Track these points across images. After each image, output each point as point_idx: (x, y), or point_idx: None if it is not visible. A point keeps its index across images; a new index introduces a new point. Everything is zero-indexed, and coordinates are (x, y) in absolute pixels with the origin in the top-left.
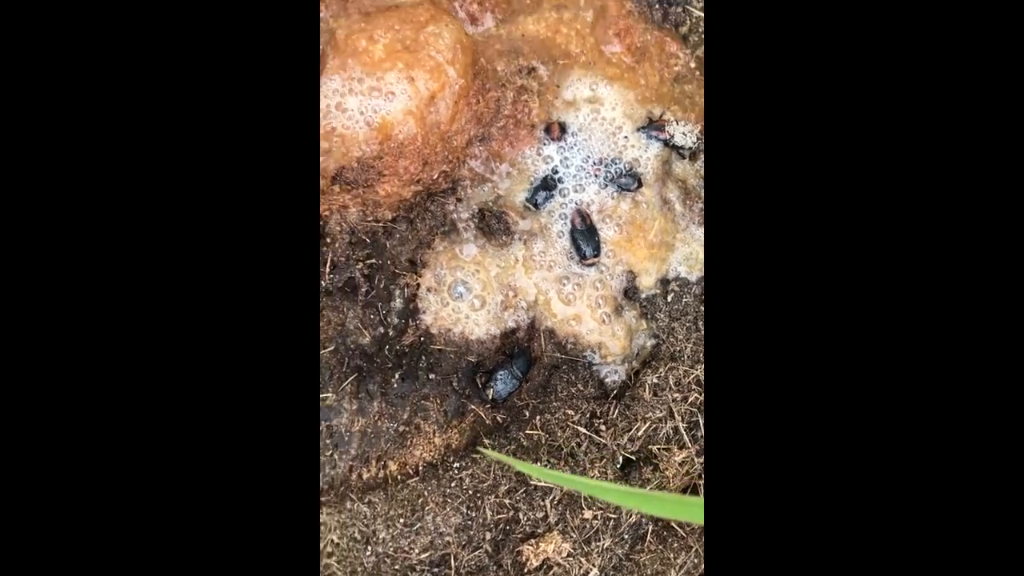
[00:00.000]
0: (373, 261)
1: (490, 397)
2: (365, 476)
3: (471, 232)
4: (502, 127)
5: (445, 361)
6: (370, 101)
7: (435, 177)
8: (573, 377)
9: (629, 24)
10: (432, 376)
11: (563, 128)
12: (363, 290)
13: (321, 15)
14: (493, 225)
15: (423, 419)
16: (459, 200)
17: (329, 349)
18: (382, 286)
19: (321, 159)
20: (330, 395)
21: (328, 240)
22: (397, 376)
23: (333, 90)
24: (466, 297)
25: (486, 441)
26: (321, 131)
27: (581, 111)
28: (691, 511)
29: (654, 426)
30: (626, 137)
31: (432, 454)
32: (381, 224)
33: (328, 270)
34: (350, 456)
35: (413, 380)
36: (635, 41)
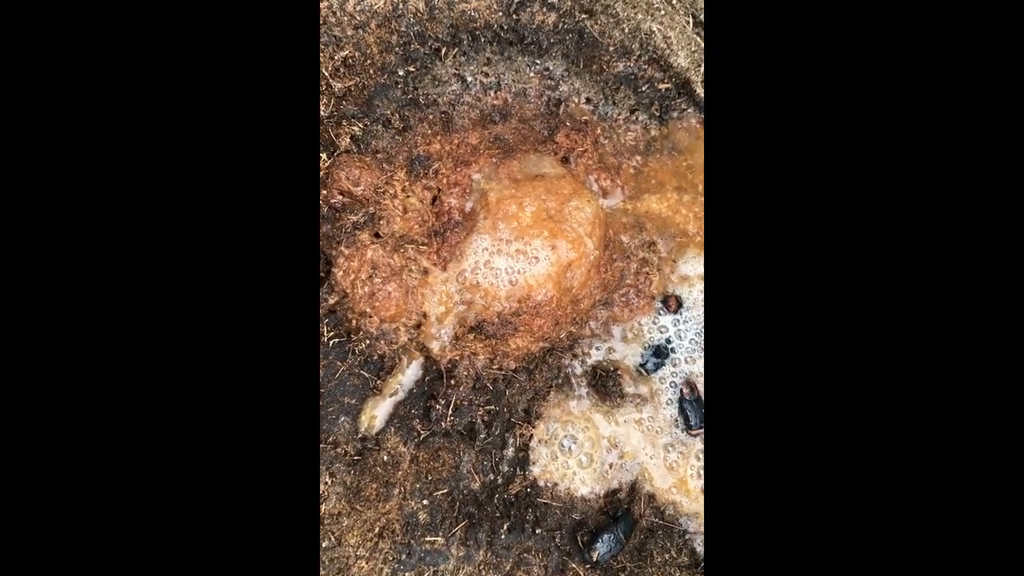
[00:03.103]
0: (492, 408)
1: (593, 559)
2: None
3: (584, 388)
4: (624, 294)
5: (551, 516)
6: (516, 263)
7: (561, 336)
8: (668, 543)
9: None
10: (538, 531)
11: (679, 302)
12: (481, 435)
13: (474, 176)
14: (608, 385)
15: (525, 573)
16: (575, 356)
17: (442, 491)
18: (498, 433)
19: (463, 309)
20: (440, 538)
21: (454, 383)
22: (505, 527)
23: (483, 248)
24: (575, 452)
25: None
26: (467, 284)
27: (695, 287)
28: None
29: None
30: None
31: None
32: (504, 373)
33: (451, 412)
34: None
35: (519, 532)
36: None
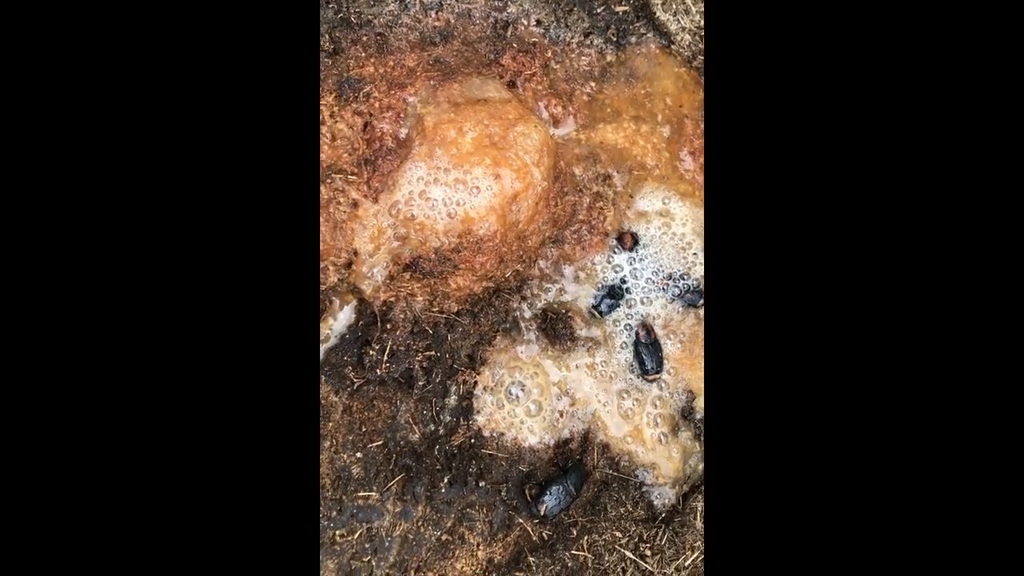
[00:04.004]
0: (432, 353)
1: (541, 513)
2: None
3: (533, 332)
4: (575, 231)
5: (496, 468)
6: (455, 193)
7: (507, 275)
8: (623, 496)
9: (704, 144)
10: (481, 483)
11: (635, 239)
12: (420, 383)
13: (410, 100)
14: (558, 329)
15: (468, 529)
16: (524, 299)
17: (377, 443)
18: (438, 380)
19: (397, 245)
20: (374, 493)
21: (390, 327)
22: (446, 480)
23: (418, 177)
24: (523, 400)
25: (531, 559)
26: (400, 217)
27: (652, 223)
28: None
29: (703, 557)
30: (695, 254)
31: (474, 567)
32: (445, 316)
33: (386, 358)
34: (388, 563)
35: (462, 486)
36: None
